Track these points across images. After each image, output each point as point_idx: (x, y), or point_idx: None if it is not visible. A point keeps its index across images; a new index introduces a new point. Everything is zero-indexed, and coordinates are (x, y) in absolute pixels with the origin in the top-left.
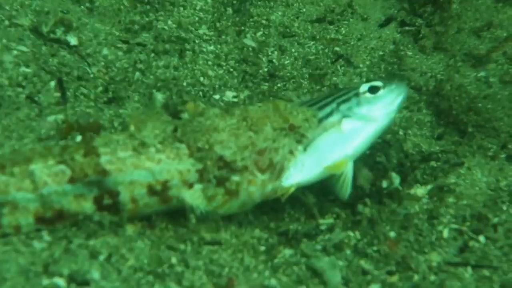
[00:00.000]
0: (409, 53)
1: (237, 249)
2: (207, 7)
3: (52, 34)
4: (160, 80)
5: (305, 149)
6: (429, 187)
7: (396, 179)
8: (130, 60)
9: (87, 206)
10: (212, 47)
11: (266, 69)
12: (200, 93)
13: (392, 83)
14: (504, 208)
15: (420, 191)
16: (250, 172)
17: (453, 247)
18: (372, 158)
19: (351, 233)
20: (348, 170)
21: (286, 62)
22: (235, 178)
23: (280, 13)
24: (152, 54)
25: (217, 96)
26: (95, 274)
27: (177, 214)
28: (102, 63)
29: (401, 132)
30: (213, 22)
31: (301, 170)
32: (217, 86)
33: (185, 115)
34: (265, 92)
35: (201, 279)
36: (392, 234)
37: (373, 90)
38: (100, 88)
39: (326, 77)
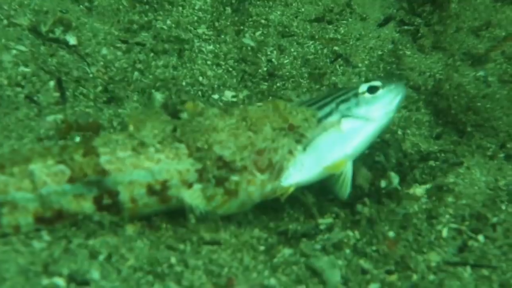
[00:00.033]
0: (408, 53)
1: (236, 249)
2: (206, 7)
3: (51, 34)
4: (159, 80)
5: (304, 149)
6: (428, 186)
7: (395, 178)
8: (129, 59)
9: (87, 206)
10: (211, 47)
11: (265, 69)
12: (199, 92)
13: (391, 83)
14: (503, 207)
15: (419, 190)
16: (249, 172)
17: (452, 247)
18: (371, 157)
19: (350, 233)
20: (348, 170)
21: (285, 61)
22: (235, 178)
23: (279, 12)
24: (151, 54)
25: (216, 96)
26: (95, 274)
27: (177, 214)
28: (101, 63)
29: (399, 132)
30: (212, 22)
31: (300, 170)
32: (216, 85)
33: (184, 115)
34: (264, 92)
35: (200, 279)
36: (391, 233)
37: (372, 90)
38: (100, 88)
39: (325, 76)
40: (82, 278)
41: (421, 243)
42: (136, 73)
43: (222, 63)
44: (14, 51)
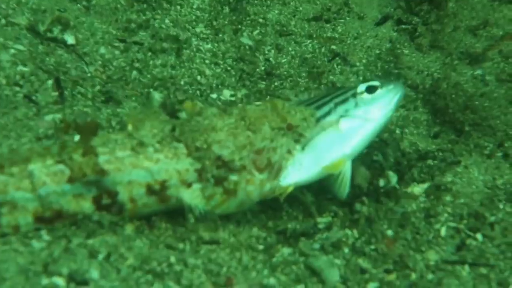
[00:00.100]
0: (406, 52)
1: (235, 248)
2: (204, 6)
3: (49, 33)
4: (157, 79)
5: (303, 148)
6: (426, 185)
7: (393, 177)
8: (127, 59)
9: (86, 206)
10: (209, 46)
11: (263, 68)
12: (198, 92)
13: (389, 82)
14: (501, 206)
15: (417, 189)
16: (248, 172)
17: (451, 245)
18: (369, 156)
19: (349, 232)
20: (346, 170)
21: (283, 60)
22: (233, 177)
23: (276, 11)
24: (149, 53)
25: (214, 95)
26: (94, 274)
27: (176, 213)
28: (99, 62)
29: (397, 131)
30: (210, 21)
31: (299, 170)
32: (214, 85)
33: (182, 114)
34: (262, 91)
35: (200, 278)
36: (389, 232)
37: (370, 89)
38: (98, 87)
39: (323, 75)
40: (81, 277)
41: (419, 241)
42: (134, 72)
43: (220, 62)
44: (12, 51)
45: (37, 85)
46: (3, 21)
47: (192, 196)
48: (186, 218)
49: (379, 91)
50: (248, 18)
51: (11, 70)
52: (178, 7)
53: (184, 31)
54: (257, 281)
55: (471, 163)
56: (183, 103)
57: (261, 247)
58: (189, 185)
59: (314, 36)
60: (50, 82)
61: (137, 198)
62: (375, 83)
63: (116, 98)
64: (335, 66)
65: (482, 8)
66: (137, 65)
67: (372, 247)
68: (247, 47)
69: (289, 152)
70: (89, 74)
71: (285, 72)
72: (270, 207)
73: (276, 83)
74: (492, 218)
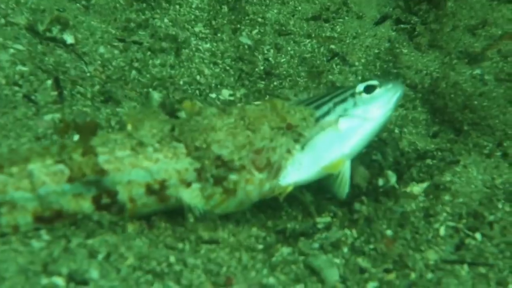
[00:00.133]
0: (405, 51)
1: (234, 247)
2: (203, 5)
3: (48, 33)
4: (157, 79)
5: (302, 148)
6: (425, 185)
7: (392, 177)
8: (127, 58)
9: (86, 205)
10: (208, 45)
11: (262, 67)
12: (197, 91)
13: (388, 81)
14: (500, 206)
15: (416, 189)
16: (248, 171)
17: (450, 245)
18: (368, 156)
19: (348, 231)
20: (346, 170)
21: (282, 60)
22: (233, 177)
23: (275, 11)
24: (148, 53)
25: (213, 95)
26: (94, 273)
27: (175, 213)
28: (99, 62)
29: (396, 130)
30: (209, 20)
31: (298, 169)
32: (213, 84)
33: (182, 114)
34: (261, 90)
35: (199, 278)
36: (388, 232)
37: (369, 89)
38: (97, 87)
39: (322, 75)
40: (81, 277)
41: (418, 241)
42: (133, 72)
43: (219, 61)
44: (11, 50)
45: (36, 85)
46: (2, 20)
47: (191, 196)
48: (185, 218)
49: (377, 91)
50: (247, 18)
51: (11, 69)
52: (177, 6)
53: (183, 30)
54: (256, 281)
55: (470, 162)
56: (182, 102)
57: (260, 246)
58: (188, 184)
59: (313, 35)
60: (49, 81)
61: (137, 198)
62: (374, 82)
63: (115, 98)
64: (333, 66)
65: (481, 7)
66: (136, 64)
67: (372, 246)
68: (246, 46)
69: (289, 151)
70: (88, 74)
71: (284, 72)
72: (270, 206)
73: (275, 83)
74: (491, 218)
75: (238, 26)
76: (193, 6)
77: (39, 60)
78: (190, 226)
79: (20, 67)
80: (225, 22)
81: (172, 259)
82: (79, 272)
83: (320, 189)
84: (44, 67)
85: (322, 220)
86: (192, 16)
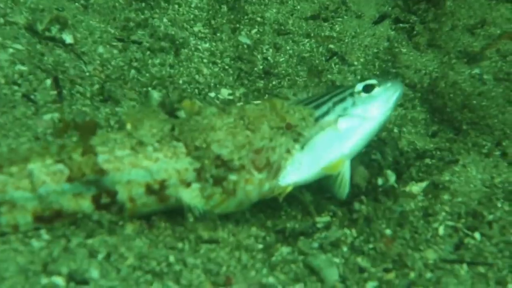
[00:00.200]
0: (404, 50)
1: (234, 247)
2: (202, 5)
3: (47, 32)
4: (156, 78)
5: (302, 148)
6: (424, 184)
7: (391, 176)
8: (126, 58)
9: (85, 205)
10: (207, 45)
11: (261, 67)
12: (196, 90)
13: (387, 81)
14: (499, 205)
15: (415, 188)
16: (247, 171)
17: (449, 244)
18: (368, 156)
19: (347, 231)
20: (345, 170)
21: (281, 59)
22: (233, 177)
23: (274, 10)
24: (148, 52)
25: (212, 94)
26: (94, 273)
27: (175, 213)
28: (98, 61)
29: (396, 130)
30: (208, 20)
31: (298, 169)
32: (212, 83)
33: (181, 113)
34: (261, 90)
35: (199, 278)
36: (388, 231)
37: (368, 88)
38: (96, 86)
39: (321, 74)
40: (81, 277)
41: (418, 240)
42: (132, 71)
43: (218, 61)
44: (10, 50)
45: (36, 84)
46: (1, 20)
47: (191, 196)
48: (185, 218)
49: (376, 90)
50: (246, 17)
51: (10, 69)
52: (176, 6)
53: (182, 30)
54: (256, 280)
55: (469, 162)
56: (182, 102)
57: (260, 246)
58: (188, 184)
59: (312, 35)
60: (48, 81)
61: (136, 198)
62: (373, 81)
63: (114, 97)
64: (333, 65)
65: (480, 7)
66: (135, 64)
67: (371, 246)
68: (245, 46)
69: (288, 151)
70: (87, 73)
71: (283, 71)
72: (269, 206)
73: (274, 82)
74: (490, 217)
75: (237, 25)
76: (192, 5)
77: (38, 60)
78: (189, 226)
79: (19, 67)
80: (224, 21)
81: (171, 258)
82: (79, 272)
83: (319, 188)
84: (43, 67)
85: (321, 220)
86: (191, 16)
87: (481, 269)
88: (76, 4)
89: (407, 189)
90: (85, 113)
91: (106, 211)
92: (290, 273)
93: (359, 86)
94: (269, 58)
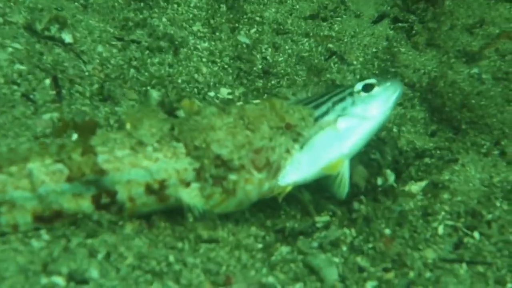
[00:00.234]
0: (402, 50)
1: (234, 247)
2: (201, 4)
3: (47, 32)
4: (155, 78)
5: (301, 147)
6: (423, 183)
7: (390, 176)
8: (125, 57)
9: (85, 205)
10: (206, 44)
11: (260, 66)
12: (195, 90)
13: (387, 80)
14: (498, 204)
15: (414, 187)
16: (247, 171)
17: (448, 244)
18: (367, 155)
19: (347, 231)
20: (345, 170)
21: (280, 59)
22: (232, 177)
23: (273, 10)
24: (147, 51)
25: (212, 93)
26: (94, 273)
27: (175, 212)
28: (97, 61)
29: (395, 129)
30: (207, 19)
31: (297, 169)
32: (211, 83)
33: (180, 113)
34: (260, 89)
35: (198, 277)
36: (387, 231)
37: (367, 88)
38: (96, 86)
39: (321, 73)
40: (81, 277)
41: (417, 240)
42: (132, 71)
43: (218, 60)
44: (9, 49)
45: (35, 84)
46: (1, 19)
47: (191, 196)
48: (185, 217)
49: (376, 89)
50: (245, 17)
51: (9, 68)
52: (175, 5)
53: (181, 29)
54: (256, 280)
55: (468, 161)
56: (181, 101)
57: (259, 245)
58: (188, 184)
59: (311, 34)
60: (47, 80)
61: (136, 197)
62: (372, 81)
63: (114, 97)
64: (332, 64)
65: (479, 6)
66: (134, 63)
67: (370, 245)
68: (244, 45)
69: (288, 151)
70: (86, 73)
71: (282, 71)
72: (269, 206)
73: (273, 82)
74: (489, 216)
75: (236, 25)
76: (191, 5)
77: (37, 59)
78: (189, 226)
79: (18, 66)
80: (223, 21)
81: (171, 258)
82: (79, 272)
83: (318, 188)
84: (42, 66)
85: (321, 219)
86: (190, 15)
87: (480, 268)
88: (75, 3)
89: (407, 188)
90: (85, 113)
91: (106, 211)
92: (290, 273)
93: (359, 86)
94: (268, 57)
